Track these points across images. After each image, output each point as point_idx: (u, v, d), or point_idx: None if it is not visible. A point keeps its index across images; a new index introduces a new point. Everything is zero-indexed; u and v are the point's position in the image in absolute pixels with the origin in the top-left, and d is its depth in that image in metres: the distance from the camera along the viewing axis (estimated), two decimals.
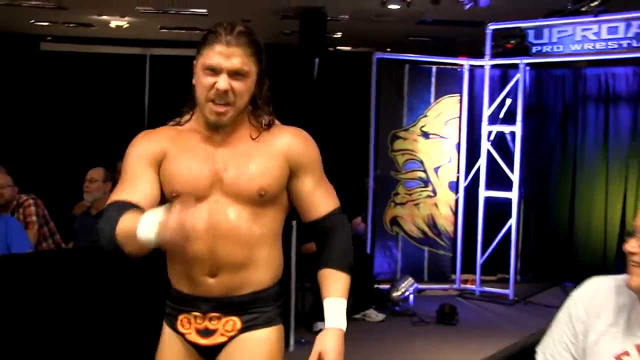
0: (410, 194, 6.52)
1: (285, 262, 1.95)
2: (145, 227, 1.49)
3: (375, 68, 6.39)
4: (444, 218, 6.64)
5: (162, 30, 7.64)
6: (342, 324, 1.84)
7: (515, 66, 6.39)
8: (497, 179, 6.49)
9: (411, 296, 5.80)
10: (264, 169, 1.81)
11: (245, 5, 6.37)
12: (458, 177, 6.70)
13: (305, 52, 6.79)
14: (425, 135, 6.55)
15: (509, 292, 6.30)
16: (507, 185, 6.38)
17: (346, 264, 1.90)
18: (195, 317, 1.83)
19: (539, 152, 7.07)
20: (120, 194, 1.74)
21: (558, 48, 6.08)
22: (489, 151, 6.45)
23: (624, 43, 5.73)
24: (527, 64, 6.46)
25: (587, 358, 1.91)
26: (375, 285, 6.05)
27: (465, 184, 6.69)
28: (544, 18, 6.27)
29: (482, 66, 6.58)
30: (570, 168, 6.93)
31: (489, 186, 6.48)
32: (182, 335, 1.85)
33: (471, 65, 6.69)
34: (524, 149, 6.46)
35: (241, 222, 1.80)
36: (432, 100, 6.57)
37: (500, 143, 6.51)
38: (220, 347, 1.84)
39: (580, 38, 5.94)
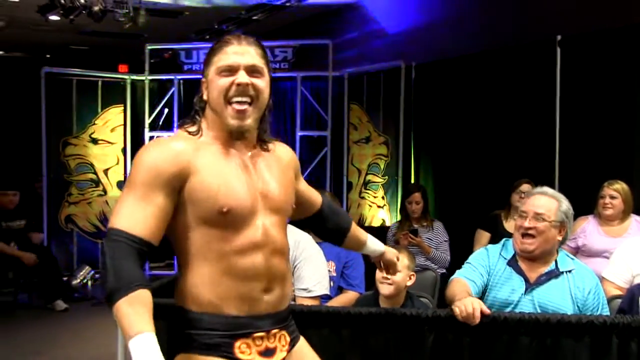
0: (83, 194, 7.21)
1: None
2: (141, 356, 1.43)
3: (44, 81, 6.90)
4: None
5: None
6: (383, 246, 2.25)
7: (171, 80, 7.46)
8: None
9: (89, 282, 6.53)
10: (288, 182, 1.83)
11: None
12: (125, 177, 7.53)
13: None
14: (95, 141, 7.28)
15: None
16: None
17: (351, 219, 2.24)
18: (254, 338, 1.70)
19: None
20: (130, 220, 1.56)
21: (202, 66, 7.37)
22: None
23: None
24: (181, 79, 7.60)
25: None
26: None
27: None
28: (194, 42, 7.51)
29: (142, 80, 7.49)
30: None
31: None
32: None
33: (133, 80, 7.54)
34: None
35: (284, 236, 1.79)
36: (99, 110, 7.30)
37: None
38: None
39: None
